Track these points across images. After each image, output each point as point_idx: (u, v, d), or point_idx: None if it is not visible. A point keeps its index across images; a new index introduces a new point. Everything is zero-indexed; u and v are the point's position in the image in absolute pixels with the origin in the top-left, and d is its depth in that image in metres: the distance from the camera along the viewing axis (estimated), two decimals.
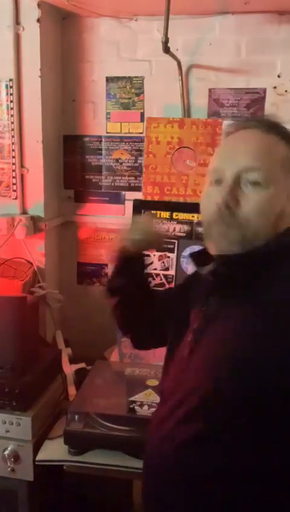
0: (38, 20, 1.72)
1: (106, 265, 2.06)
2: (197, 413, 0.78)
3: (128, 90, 1.91)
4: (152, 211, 1.89)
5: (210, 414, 0.76)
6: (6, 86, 1.78)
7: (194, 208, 1.80)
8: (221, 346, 0.79)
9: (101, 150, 1.98)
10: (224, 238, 0.82)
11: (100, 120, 1.96)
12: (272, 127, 0.84)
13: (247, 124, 0.87)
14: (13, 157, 1.82)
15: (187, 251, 1.87)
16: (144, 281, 1.22)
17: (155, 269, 1.90)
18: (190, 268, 1.86)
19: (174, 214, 1.87)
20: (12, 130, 1.80)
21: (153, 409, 1.39)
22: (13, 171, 1.83)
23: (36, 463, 1.41)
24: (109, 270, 2.06)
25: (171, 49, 1.70)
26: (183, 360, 0.88)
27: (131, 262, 1.12)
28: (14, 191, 1.85)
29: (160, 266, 1.90)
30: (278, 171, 0.80)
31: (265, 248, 0.79)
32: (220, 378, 0.76)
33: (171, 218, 1.88)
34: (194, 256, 0.94)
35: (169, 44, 1.66)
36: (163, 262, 1.89)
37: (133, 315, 1.17)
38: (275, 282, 0.77)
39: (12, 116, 1.79)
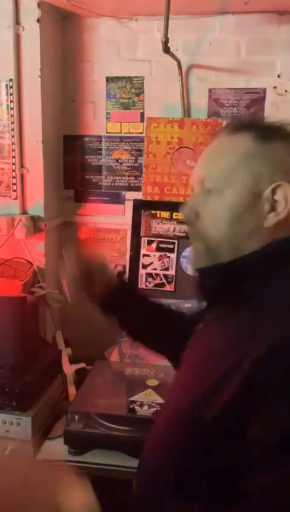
0: (38, 20, 1.72)
1: None
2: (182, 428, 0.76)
3: (128, 90, 1.91)
4: (152, 211, 1.89)
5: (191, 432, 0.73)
6: (6, 86, 1.78)
7: None
8: (194, 366, 0.79)
9: (101, 150, 1.98)
10: (194, 251, 0.83)
11: (100, 120, 1.96)
12: (243, 126, 0.80)
13: (221, 131, 0.84)
14: (13, 157, 1.82)
15: (187, 251, 1.87)
16: (139, 306, 1.16)
17: (155, 269, 1.90)
18: (189, 268, 1.86)
19: (174, 214, 1.87)
20: (12, 130, 1.80)
21: (153, 409, 1.39)
22: (13, 171, 1.83)
23: None
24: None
25: (171, 49, 1.70)
26: (175, 377, 0.90)
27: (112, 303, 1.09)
28: (14, 191, 1.85)
29: (160, 266, 1.90)
30: (235, 172, 0.76)
31: (241, 260, 0.76)
32: (188, 400, 0.74)
33: (171, 218, 1.88)
34: None
35: (169, 44, 1.66)
36: (163, 262, 1.89)
37: (151, 338, 1.16)
38: (242, 299, 0.75)
39: (12, 116, 1.79)
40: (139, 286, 1.93)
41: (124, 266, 2.03)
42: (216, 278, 0.79)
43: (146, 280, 1.92)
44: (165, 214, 1.88)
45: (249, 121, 0.81)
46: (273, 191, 0.74)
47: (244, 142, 0.77)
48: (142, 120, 1.92)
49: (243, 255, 0.75)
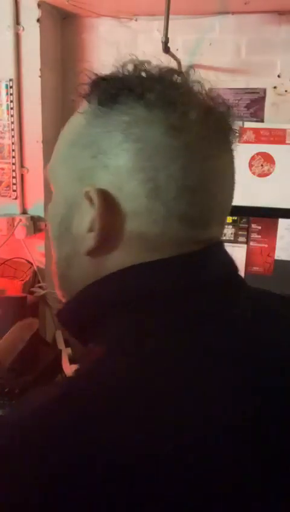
0: (38, 20, 1.72)
1: None
2: None
3: None
4: None
5: None
6: (6, 86, 1.78)
7: None
8: None
9: None
10: None
11: None
12: (89, 89, 0.49)
13: None
14: (13, 157, 1.82)
15: None
16: None
17: None
18: None
19: None
20: (12, 130, 1.80)
21: None
22: (13, 171, 1.83)
23: None
24: None
25: (171, 49, 1.70)
26: None
27: None
28: (14, 191, 1.85)
29: None
30: (59, 167, 0.50)
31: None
32: None
33: None
34: None
35: (169, 44, 1.66)
36: None
37: None
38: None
39: (12, 116, 1.79)
40: None
41: None
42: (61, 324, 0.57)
43: None
44: None
45: (105, 76, 0.49)
46: (89, 199, 0.46)
47: (78, 118, 0.49)
48: None
49: (71, 294, 0.51)
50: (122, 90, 0.46)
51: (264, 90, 1.82)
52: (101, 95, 0.47)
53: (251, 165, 1.84)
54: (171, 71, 0.48)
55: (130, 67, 0.48)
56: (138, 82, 0.46)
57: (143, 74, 0.47)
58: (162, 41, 1.64)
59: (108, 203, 0.45)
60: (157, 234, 0.45)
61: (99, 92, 0.47)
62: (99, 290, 0.47)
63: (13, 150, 1.82)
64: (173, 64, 1.80)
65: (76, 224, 0.48)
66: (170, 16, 1.57)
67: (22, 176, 1.85)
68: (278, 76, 1.80)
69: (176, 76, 0.48)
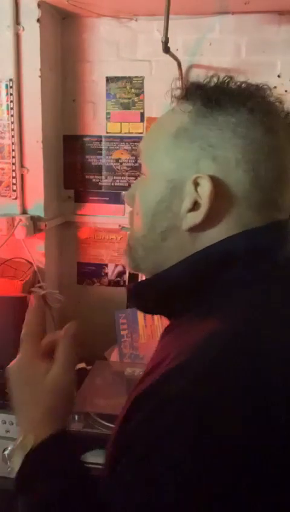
0: (38, 20, 1.72)
1: (106, 265, 2.06)
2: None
3: (128, 90, 1.91)
4: None
5: None
6: (6, 86, 1.78)
7: None
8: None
9: (101, 150, 1.98)
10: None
11: (100, 120, 1.96)
12: (190, 92, 0.59)
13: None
14: (13, 157, 1.82)
15: None
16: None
17: None
18: None
19: None
20: (12, 130, 1.80)
21: None
22: (13, 171, 1.83)
23: None
24: (109, 270, 2.06)
25: (171, 49, 1.70)
26: None
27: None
28: (14, 191, 1.85)
29: None
30: (160, 153, 0.58)
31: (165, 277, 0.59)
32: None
33: None
34: None
35: (169, 44, 1.66)
36: None
37: None
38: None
39: (12, 116, 1.79)
40: None
41: (124, 266, 2.03)
42: (144, 297, 0.64)
43: None
44: None
45: (200, 83, 0.59)
46: (195, 184, 0.55)
47: (180, 115, 0.58)
48: (142, 120, 1.92)
49: (161, 265, 0.59)
50: (223, 96, 0.55)
51: None
52: (203, 98, 0.56)
53: None
54: (254, 85, 0.59)
55: (215, 79, 0.58)
56: (238, 91, 0.57)
57: (233, 85, 0.57)
58: (162, 41, 1.64)
59: (217, 187, 0.53)
60: (251, 216, 0.55)
61: (201, 96, 0.56)
62: (202, 257, 0.56)
63: (13, 150, 1.82)
64: (173, 64, 1.80)
65: (177, 204, 0.56)
66: (170, 16, 1.57)
67: (22, 176, 1.85)
68: (278, 76, 1.80)
69: (259, 88, 0.59)
